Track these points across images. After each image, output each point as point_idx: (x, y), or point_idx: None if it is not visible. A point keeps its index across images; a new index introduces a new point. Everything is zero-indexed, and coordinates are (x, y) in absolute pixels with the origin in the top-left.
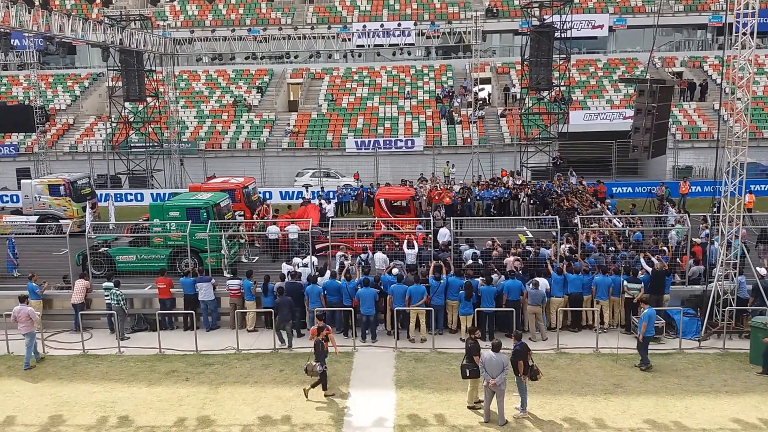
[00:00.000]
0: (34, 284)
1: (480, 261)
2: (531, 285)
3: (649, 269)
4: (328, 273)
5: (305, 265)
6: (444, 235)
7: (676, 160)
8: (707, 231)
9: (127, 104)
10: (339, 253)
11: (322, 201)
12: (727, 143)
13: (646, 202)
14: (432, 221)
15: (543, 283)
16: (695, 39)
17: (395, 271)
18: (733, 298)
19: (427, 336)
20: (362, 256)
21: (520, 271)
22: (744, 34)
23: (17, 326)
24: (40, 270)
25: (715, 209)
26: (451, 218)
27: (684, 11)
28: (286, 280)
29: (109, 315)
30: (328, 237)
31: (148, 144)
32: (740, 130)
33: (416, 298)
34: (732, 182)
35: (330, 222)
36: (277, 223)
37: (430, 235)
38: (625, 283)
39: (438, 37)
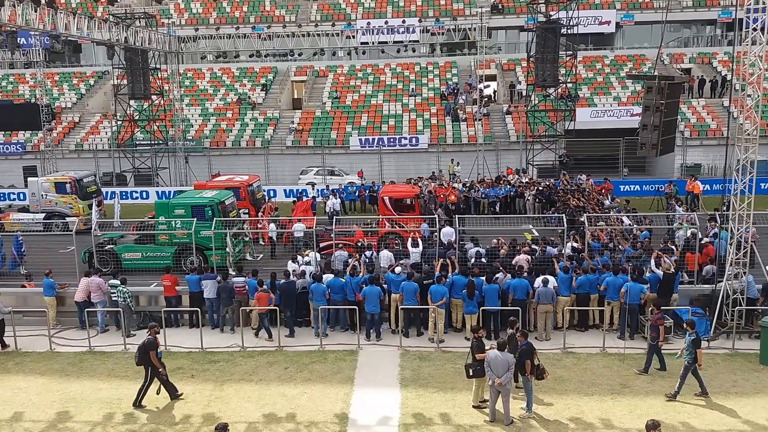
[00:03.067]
0: (51, 280)
1: (483, 259)
2: (541, 283)
3: (660, 273)
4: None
5: (308, 263)
6: (449, 234)
7: (685, 158)
8: (715, 230)
9: (132, 102)
10: (337, 252)
11: (317, 197)
12: (737, 140)
13: (653, 201)
14: (437, 219)
15: (551, 281)
16: (704, 35)
17: (398, 269)
18: (742, 298)
19: (442, 336)
20: (367, 254)
21: (526, 272)
22: (754, 29)
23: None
24: (45, 268)
25: (724, 207)
26: (456, 216)
27: (693, 7)
28: (284, 280)
29: (116, 312)
30: (331, 235)
31: (153, 142)
32: (750, 127)
33: (436, 298)
34: (742, 180)
35: (334, 220)
36: (280, 221)
37: (435, 234)
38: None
39: (443, 33)
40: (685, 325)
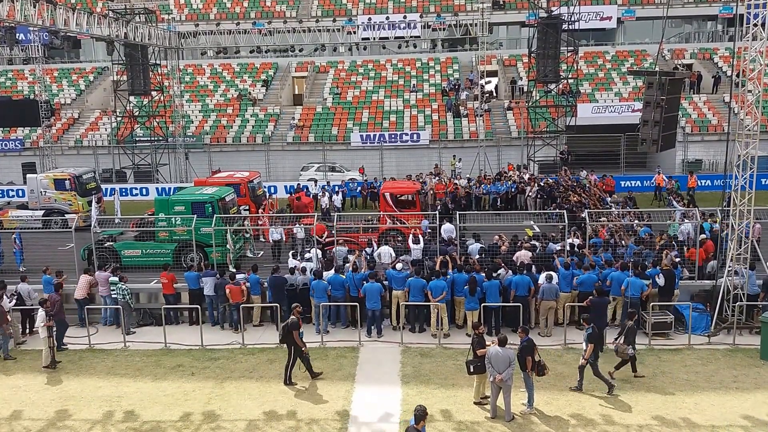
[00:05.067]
0: (49, 277)
1: (485, 255)
2: (545, 279)
3: (661, 282)
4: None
5: (309, 260)
6: (449, 230)
7: (686, 154)
8: (716, 224)
9: (131, 98)
10: (338, 248)
11: (318, 193)
12: (737, 136)
13: (654, 196)
14: (438, 216)
15: (555, 277)
16: (705, 30)
17: (399, 266)
18: (743, 293)
19: (449, 331)
20: (367, 250)
21: (526, 268)
22: (755, 25)
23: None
24: (44, 265)
25: (725, 203)
26: (457, 213)
27: (694, 2)
28: (274, 275)
29: (115, 309)
30: (333, 231)
31: (153, 138)
32: (751, 122)
33: (437, 293)
34: (743, 176)
35: (335, 216)
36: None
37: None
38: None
39: (444, 29)
40: (582, 320)
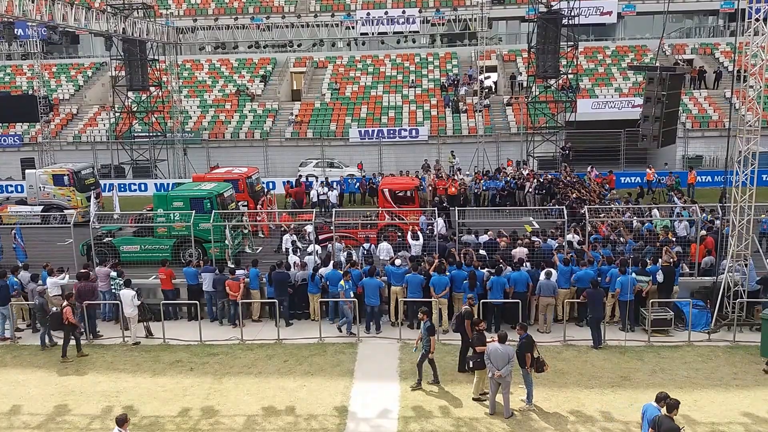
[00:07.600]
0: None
1: (482, 251)
2: (543, 275)
3: (661, 278)
4: (330, 263)
5: (309, 254)
6: (438, 226)
7: (686, 150)
8: (717, 221)
9: (130, 94)
10: (337, 244)
11: (318, 188)
12: (738, 132)
13: (655, 193)
14: (437, 212)
15: (554, 274)
16: (706, 25)
17: (398, 262)
18: (743, 290)
19: (447, 327)
20: (365, 246)
21: (528, 264)
22: (756, 20)
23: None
24: (43, 260)
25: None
26: (456, 209)
27: None
28: (277, 270)
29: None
30: (331, 227)
31: (151, 134)
32: (752, 118)
33: (439, 289)
34: (744, 172)
35: (333, 212)
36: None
37: (430, 226)
38: (634, 275)
39: (443, 24)
40: (420, 314)
